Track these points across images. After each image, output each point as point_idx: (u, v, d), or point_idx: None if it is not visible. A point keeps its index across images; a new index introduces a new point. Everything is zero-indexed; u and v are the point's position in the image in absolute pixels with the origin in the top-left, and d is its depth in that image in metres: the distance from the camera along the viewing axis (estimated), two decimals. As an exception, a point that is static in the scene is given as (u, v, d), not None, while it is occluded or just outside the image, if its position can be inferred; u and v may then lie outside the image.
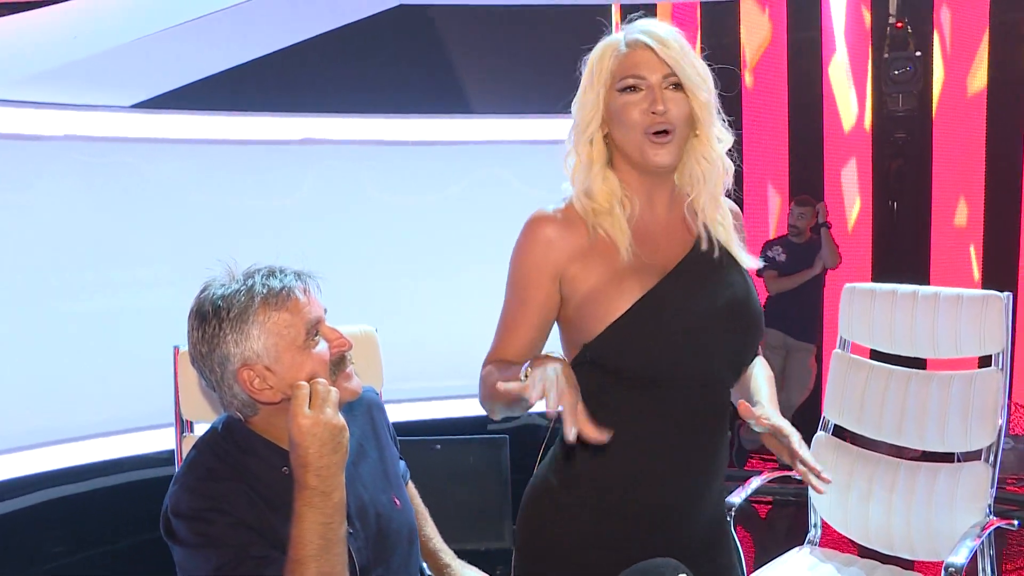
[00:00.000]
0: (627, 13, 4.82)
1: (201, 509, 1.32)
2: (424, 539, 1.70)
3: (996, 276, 4.65)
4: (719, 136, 1.40)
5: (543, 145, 3.98)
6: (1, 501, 3.32)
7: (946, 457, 2.43)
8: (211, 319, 1.34)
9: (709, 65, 1.40)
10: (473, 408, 4.36)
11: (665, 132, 1.34)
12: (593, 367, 1.39)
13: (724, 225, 1.44)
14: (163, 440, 3.25)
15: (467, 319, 3.99)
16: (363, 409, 1.55)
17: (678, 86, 1.35)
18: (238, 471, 1.37)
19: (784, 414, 1.41)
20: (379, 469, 1.51)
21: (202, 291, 1.38)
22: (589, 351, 1.39)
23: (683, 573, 1.00)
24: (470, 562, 1.81)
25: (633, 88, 1.35)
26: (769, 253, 4.61)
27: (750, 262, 1.46)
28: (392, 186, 3.95)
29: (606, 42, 1.40)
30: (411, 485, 1.73)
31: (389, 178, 3.94)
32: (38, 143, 3.35)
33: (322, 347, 1.38)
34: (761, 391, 1.43)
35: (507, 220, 4.09)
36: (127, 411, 3.35)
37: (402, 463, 1.67)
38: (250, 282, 1.36)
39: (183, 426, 2.00)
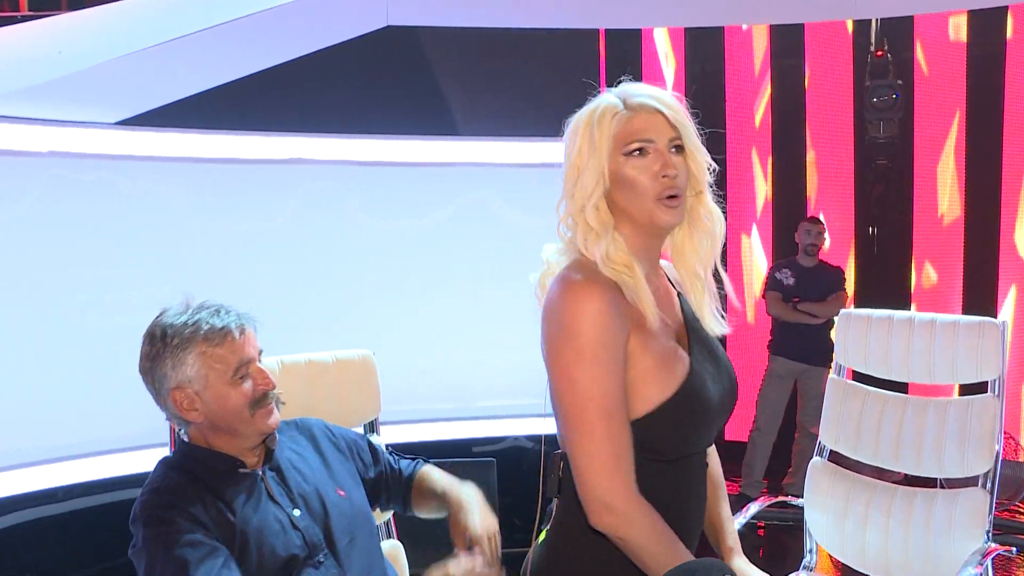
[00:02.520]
0: (612, 38, 4.88)
1: (153, 509, 1.53)
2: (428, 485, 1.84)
3: (977, 303, 4.70)
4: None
5: (530, 168, 3.98)
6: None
7: (928, 482, 2.44)
8: (157, 342, 1.56)
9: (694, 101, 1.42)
10: (460, 431, 4.35)
11: (676, 196, 1.34)
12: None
13: (704, 287, 1.43)
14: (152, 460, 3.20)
15: (455, 342, 3.99)
16: (304, 431, 1.80)
17: (680, 148, 1.35)
18: (189, 475, 1.58)
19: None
20: (321, 469, 1.73)
21: (158, 316, 1.60)
22: (636, 430, 1.32)
23: (728, 573, 0.98)
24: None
25: (641, 151, 1.34)
26: (777, 275, 4.52)
27: (720, 329, 1.44)
28: (378, 206, 3.94)
29: (601, 107, 1.36)
30: (424, 470, 1.90)
31: (376, 198, 3.92)
32: (22, 159, 3.30)
33: (247, 385, 1.59)
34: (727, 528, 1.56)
35: (493, 242, 4.11)
36: (119, 431, 3.30)
37: (407, 461, 1.92)
38: (196, 317, 1.57)
39: (179, 444, 1.97)
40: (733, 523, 1.57)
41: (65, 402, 3.33)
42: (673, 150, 1.35)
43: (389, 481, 1.87)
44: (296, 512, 1.62)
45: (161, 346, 1.56)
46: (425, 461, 1.94)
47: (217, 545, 1.52)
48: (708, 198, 1.40)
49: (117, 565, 3.30)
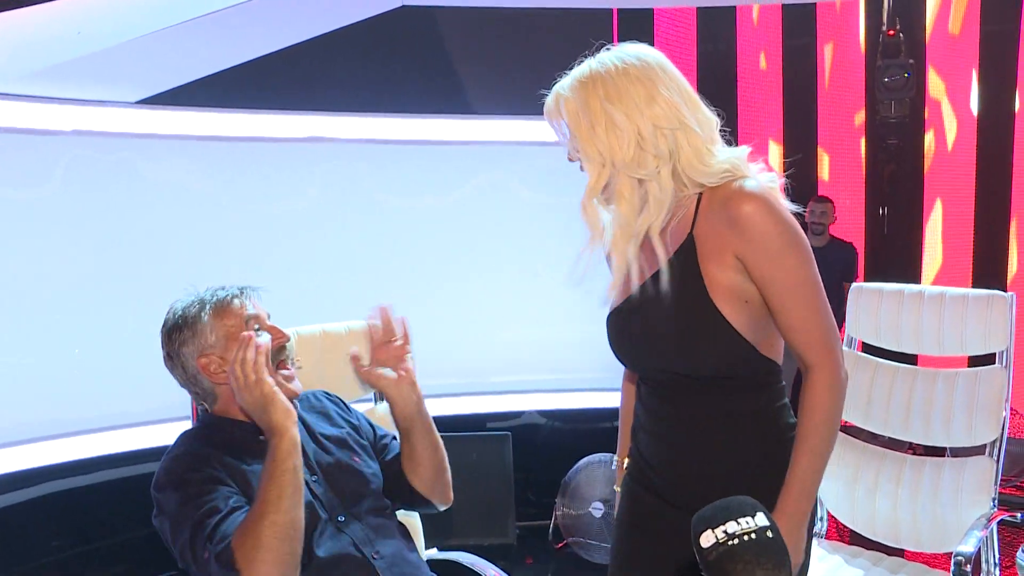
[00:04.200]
0: (624, 18, 4.89)
1: (177, 472, 1.61)
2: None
3: (986, 283, 4.73)
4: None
5: (545, 147, 4.02)
6: (7, 493, 3.35)
7: (936, 454, 2.49)
8: (174, 328, 1.71)
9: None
10: (474, 406, 4.39)
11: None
12: None
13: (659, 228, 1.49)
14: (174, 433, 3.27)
15: (469, 318, 4.04)
16: (317, 403, 1.90)
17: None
18: (210, 443, 1.68)
19: None
20: (336, 437, 1.84)
21: (168, 310, 1.75)
22: None
23: (760, 511, 1.03)
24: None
25: None
26: None
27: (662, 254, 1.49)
28: (394, 184, 3.99)
29: None
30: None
31: (392, 176, 3.97)
32: (48, 138, 3.36)
33: (264, 338, 1.68)
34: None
35: (506, 219, 4.15)
36: (141, 406, 3.37)
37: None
38: (203, 295, 1.73)
39: (200, 415, 2.02)
40: (792, 483, 1.47)
41: (87, 377, 3.40)
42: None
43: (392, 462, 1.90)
44: (313, 477, 1.70)
45: (178, 329, 1.70)
46: None
47: (244, 502, 1.58)
48: (590, 187, 1.48)
49: (140, 536, 3.39)
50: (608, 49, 1.48)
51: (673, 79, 1.45)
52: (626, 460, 1.73)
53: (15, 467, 3.26)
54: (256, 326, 1.71)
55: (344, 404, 1.95)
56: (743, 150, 1.51)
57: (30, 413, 3.28)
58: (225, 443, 1.68)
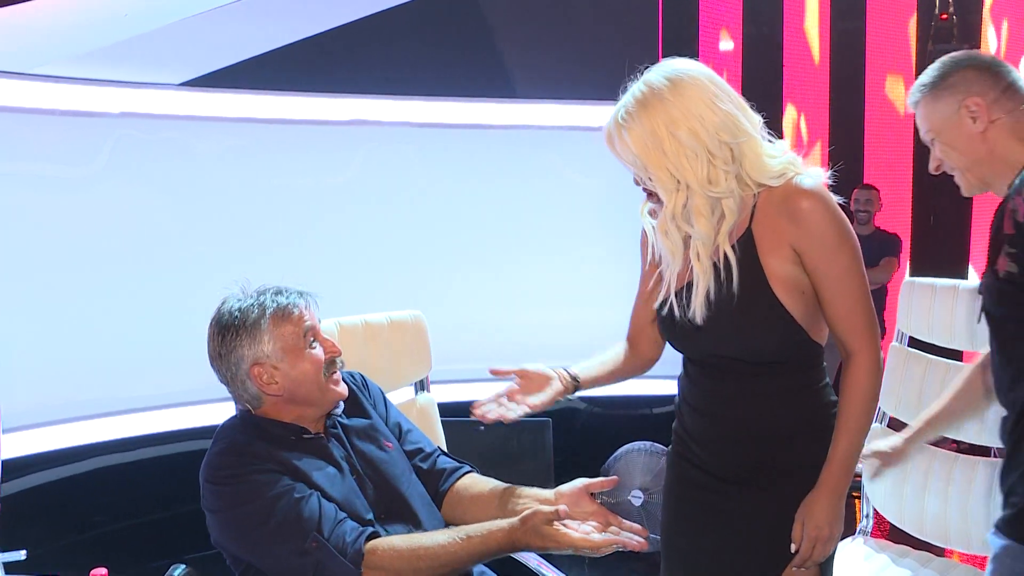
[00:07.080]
0: (669, 2, 4.81)
1: (225, 467, 1.61)
2: (479, 488, 1.86)
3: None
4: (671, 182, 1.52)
5: (589, 131, 3.99)
6: (52, 468, 3.42)
7: (980, 451, 2.43)
8: (229, 328, 1.65)
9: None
10: (513, 391, 4.34)
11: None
12: None
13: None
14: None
15: (509, 302, 4.04)
16: (352, 394, 1.84)
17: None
18: (253, 435, 1.66)
19: None
20: (367, 428, 1.81)
21: (221, 304, 1.69)
22: None
23: None
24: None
25: None
26: None
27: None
28: (437, 168, 3.98)
29: None
30: (474, 475, 1.92)
31: (435, 160, 3.97)
32: (95, 119, 3.40)
33: (317, 351, 1.69)
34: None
35: (549, 205, 4.11)
36: (184, 385, 3.42)
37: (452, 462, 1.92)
38: (262, 298, 1.68)
39: (239, 414, 2.03)
40: (834, 460, 1.59)
41: (128, 356, 3.45)
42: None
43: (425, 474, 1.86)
44: (355, 474, 1.70)
45: (234, 330, 1.65)
46: (472, 468, 1.92)
47: (293, 483, 1.59)
48: (669, 213, 1.54)
49: (179, 513, 3.45)
50: (650, 69, 1.53)
51: (723, 89, 1.51)
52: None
53: (61, 444, 3.33)
54: (312, 338, 1.68)
55: (364, 380, 1.91)
56: (786, 146, 1.59)
57: (78, 392, 3.34)
58: (268, 438, 1.66)
